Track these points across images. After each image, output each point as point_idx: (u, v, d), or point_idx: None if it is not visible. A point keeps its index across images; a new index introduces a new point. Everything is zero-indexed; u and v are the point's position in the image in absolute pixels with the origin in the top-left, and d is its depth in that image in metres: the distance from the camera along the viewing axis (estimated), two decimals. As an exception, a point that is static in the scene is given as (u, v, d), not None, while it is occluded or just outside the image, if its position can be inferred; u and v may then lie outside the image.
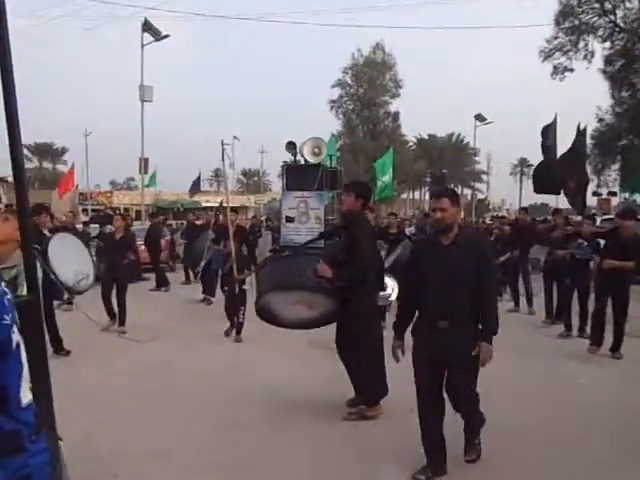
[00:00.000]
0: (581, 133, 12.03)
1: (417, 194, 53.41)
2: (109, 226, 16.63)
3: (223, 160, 7.62)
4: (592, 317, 7.64)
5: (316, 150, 11.68)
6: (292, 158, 11.88)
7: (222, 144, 7.65)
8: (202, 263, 10.29)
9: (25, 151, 56.09)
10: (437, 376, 3.78)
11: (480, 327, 3.70)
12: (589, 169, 23.26)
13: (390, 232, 10.02)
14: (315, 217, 11.33)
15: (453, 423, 3.99)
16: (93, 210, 38.21)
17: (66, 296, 6.48)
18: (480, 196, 56.32)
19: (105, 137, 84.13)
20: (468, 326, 3.69)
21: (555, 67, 26.66)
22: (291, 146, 12.06)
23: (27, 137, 63.06)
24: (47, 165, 58.37)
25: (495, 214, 31.84)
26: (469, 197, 53.71)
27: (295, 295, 4.81)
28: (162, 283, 13.51)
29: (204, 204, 45.64)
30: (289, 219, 11.26)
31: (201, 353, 7.30)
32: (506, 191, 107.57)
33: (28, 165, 57.58)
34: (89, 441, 4.46)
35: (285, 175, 12.06)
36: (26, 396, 1.87)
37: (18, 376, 1.85)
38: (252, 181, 75.76)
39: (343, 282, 4.71)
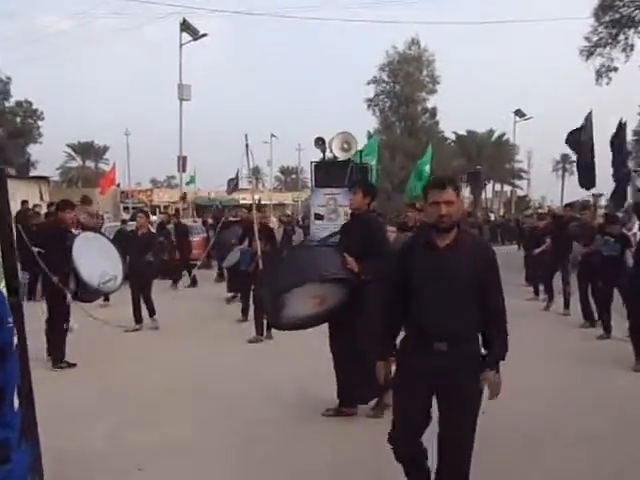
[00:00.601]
0: (621, 128, 11.75)
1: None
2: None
3: (247, 156, 7.48)
4: (630, 335, 7.09)
5: (345, 145, 11.56)
6: (323, 154, 11.94)
7: (246, 138, 7.49)
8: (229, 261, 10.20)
9: (69, 150, 58.04)
10: (425, 415, 3.08)
11: (484, 352, 3.07)
12: (631, 165, 22.62)
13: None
14: (345, 214, 10.94)
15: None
16: (134, 208, 38.84)
17: (69, 297, 6.31)
18: (520, 193, 55.40)
19: (146, 135, 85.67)
20: (473, 349, 3.04)
21: (598, 71, 25.97)
22: (320, 142, 11.99)
23: (71, 136, 64.86)
24: (90, 164, 59.70)
25: (537, 210, 31.21)
26: (509, 194, 53.01)
27: (313, 288, 4.61)
28: (192, 281, 13.83)
29: (242, 201, 46.07)
30: (318, 216, 11.21)
31: (229, 351, 7.42)
32: (547, 188, 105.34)
33: (71, 164, 59.11)
34: (116, 436, 4.62)
35: (314, 172, 12.03)
36: (17, 400, 1.84)
37: (15, 379, 1.85)
38: (290, 178, 76.00)
39: (369, 275, 4.63)
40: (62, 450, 4.06)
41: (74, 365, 6.52)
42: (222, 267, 13.09)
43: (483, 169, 46.88)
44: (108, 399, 5.52)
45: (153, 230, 11.14)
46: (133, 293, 8.62)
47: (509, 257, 22.23)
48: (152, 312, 8.75)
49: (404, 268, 3.13)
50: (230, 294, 11.32)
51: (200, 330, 8.61)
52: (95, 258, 6.38)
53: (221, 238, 12.46)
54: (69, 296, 6.25)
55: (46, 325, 6.46)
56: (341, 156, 11.61)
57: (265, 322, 7.85)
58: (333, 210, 11.35)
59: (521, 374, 4.83)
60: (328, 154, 11.84)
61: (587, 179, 11.49)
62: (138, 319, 8.62)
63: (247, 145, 7.43)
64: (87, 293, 6.44)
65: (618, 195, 11.83)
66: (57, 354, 6.49)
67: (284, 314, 4.68)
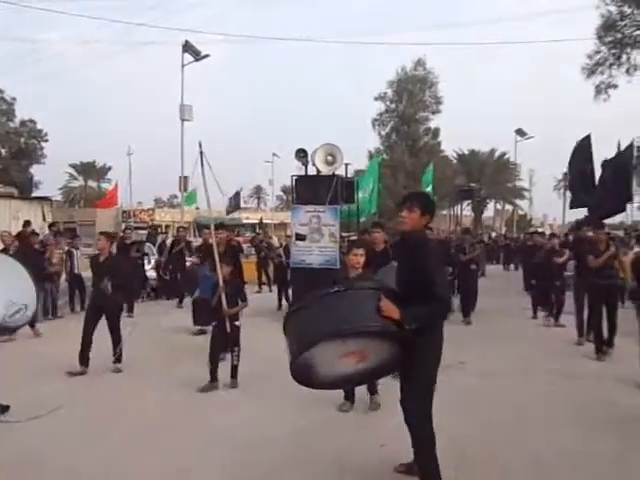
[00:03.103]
0: (623, 150, 11.53)
1: (458, 210, 52.28)
2: (147, 243, 16.07)
3: (202, 166, 6.47)
4: None
5: (329, 158, 10.64)
6: (318, 168, 10.71)
7: (200, 145, 6.32)
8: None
9: (71, 170, 58.19)
10: None
11: None
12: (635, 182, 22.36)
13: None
14: (329, 234, 10.26)
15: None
16: (136, 228, 38.77)
17: None
18: (521, 212, 55.11)
19: (150, 155, 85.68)
20: None
21: (597, 87, 25.92)
22: (301, 154, 11.04)
23: (74, 157, 65.16)
24: (92, 184, 59.84)
25: (537, 229, 30.85)
26: (510, 212, 52.79)
27: (350, 344, 3.55)
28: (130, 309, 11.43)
29: (244, 221, 45.86)
30: (299, 237, 10.21)
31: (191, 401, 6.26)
32: (549, 206, 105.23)
33: (74, 184, 59.24)
34: (111, 460, 4.54)
35: (295, 187, 11.06)
36: None
37: None
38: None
39: (417, 323, 3.51)
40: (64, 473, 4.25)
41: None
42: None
43: (484, 188, 46.75)
44: (102, 422, 5.41)
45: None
46: (86, 327, 7.18)
47: (504, 278, 21.89)
48: (119, 357, 7.25)
49: None
50: (197, 327, 9.46)
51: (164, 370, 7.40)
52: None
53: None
54: None
55: None
56: (325, 170, 10.67)
57: (231, 365, 6.52)
58: (316, 229, 10.35)
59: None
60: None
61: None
62: (84, 358, 7.11)
63: (201, 152, 6.47)
64: None
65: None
66: None
67: (318, 373, 3.68)
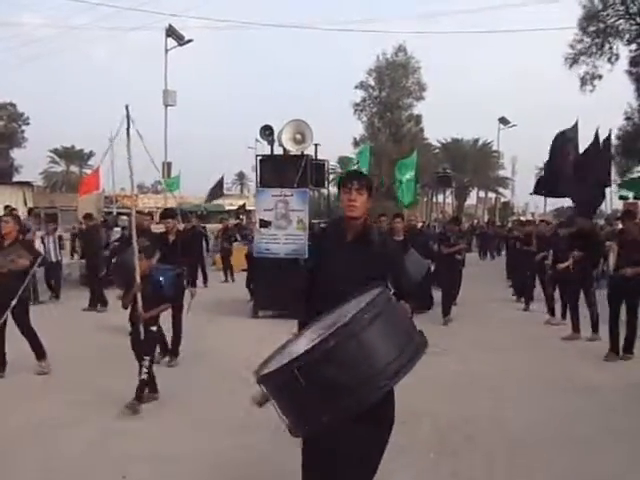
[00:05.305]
0: (604, 138, 11.37)
1: (440, 197, 52.37)
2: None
3: (128, 131, 5.20)
4: None
5: (298, 136, 9.70)
6: (289, 148, 9.77)
7: (126, 109, 5.14)
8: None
9: (52, 155, 57.28)
10: None
11: None
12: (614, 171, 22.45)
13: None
14: (297, 220, 9.44)
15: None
16: (119, 214, 38.31)
17: None
18: (503, 199, 55.39)
19: (133, 141, 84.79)
20: None
21: (582, 78, 26.04)
22: (267, 132, 10.15)
23: (54, 141, 64.30)
24: (74, 169, 59.05)
25: (520, 218, 30.85)
26: (493, 201, 52.96)
27: None
28: (99, 301, 10.61)
29: (227, 207, 45.51)
30: (264, 223, 9.32)
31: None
32: (530, 195, 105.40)
33: (55, 169, 58.37)
34: (102, 443, 4.54)
35: (259, 168, 10.06)
36: None
37: None
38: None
39: None
40: (46, 459, 4.19)
41: None
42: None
43: (467, 176, 46.83)
44: (92, 405, 5.37)
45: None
46: None
47: (483, 267, 21.77)
48: (39, 353, 6.35)
49: None
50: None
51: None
52: None
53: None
54: None
55: None
56: (293, 149, 9.74)
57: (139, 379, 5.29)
58: (283, 215, 9.54)
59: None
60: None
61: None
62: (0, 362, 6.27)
63: (128, 117, 5.17)
64: None
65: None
66: None
67: None
